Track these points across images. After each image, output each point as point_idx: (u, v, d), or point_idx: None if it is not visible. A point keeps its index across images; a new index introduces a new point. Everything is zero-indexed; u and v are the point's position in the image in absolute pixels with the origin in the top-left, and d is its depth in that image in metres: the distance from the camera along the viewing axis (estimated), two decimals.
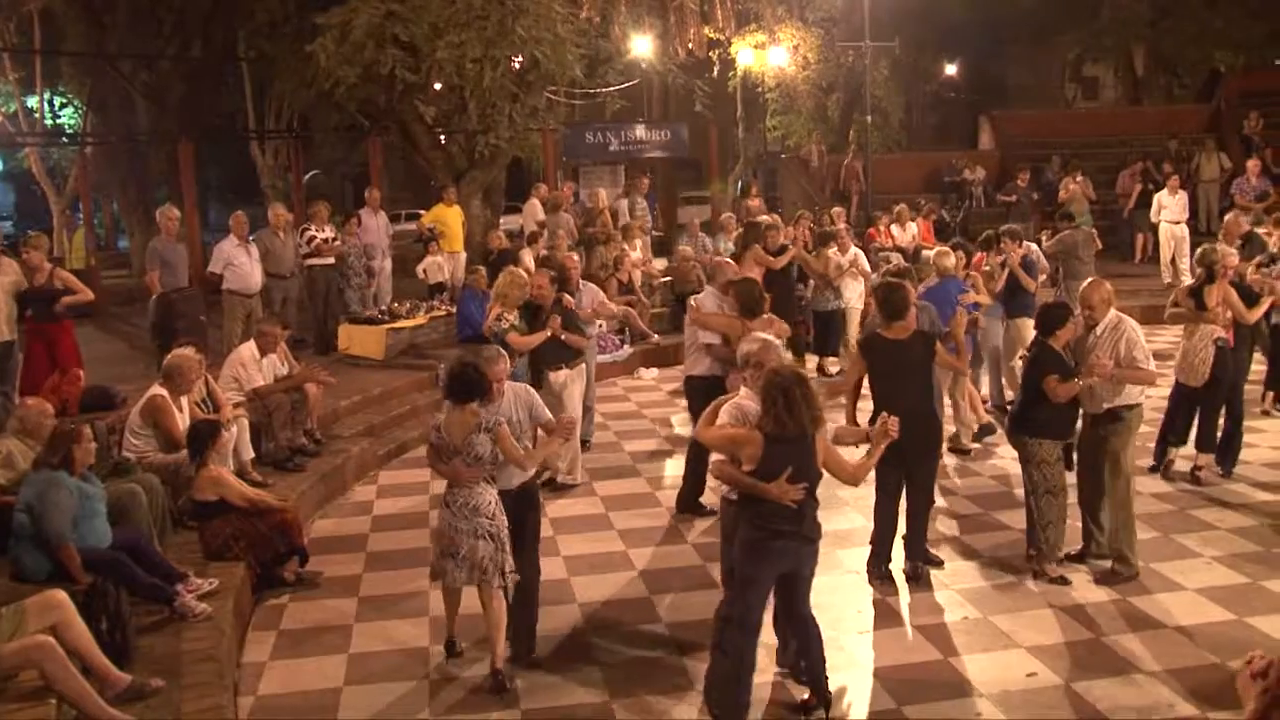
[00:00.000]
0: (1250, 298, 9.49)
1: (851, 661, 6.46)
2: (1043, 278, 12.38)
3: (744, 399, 5.93)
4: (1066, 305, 7.77)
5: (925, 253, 15.93)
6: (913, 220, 17.39)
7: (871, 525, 7.63)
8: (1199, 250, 9.79)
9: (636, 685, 6.27)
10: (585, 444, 10.53)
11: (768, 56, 24.38)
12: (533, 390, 7.08)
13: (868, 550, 7.65)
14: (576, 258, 11.90)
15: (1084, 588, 7.33)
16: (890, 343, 7.42)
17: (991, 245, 11.62)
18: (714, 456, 5.85)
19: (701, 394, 7.95)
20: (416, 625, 7.15)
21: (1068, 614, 6.95)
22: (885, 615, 7.09)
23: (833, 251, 13.55)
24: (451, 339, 13.62)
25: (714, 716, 5.74)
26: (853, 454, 6.35)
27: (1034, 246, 12.68)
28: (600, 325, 11.88)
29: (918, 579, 7.46)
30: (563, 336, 9.43)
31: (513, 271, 9.97)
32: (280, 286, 13.49)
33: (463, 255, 16.71)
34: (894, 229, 17.07)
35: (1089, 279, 7.94)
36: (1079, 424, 7.59)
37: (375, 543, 8.75)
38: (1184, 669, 6.21)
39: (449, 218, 16.75)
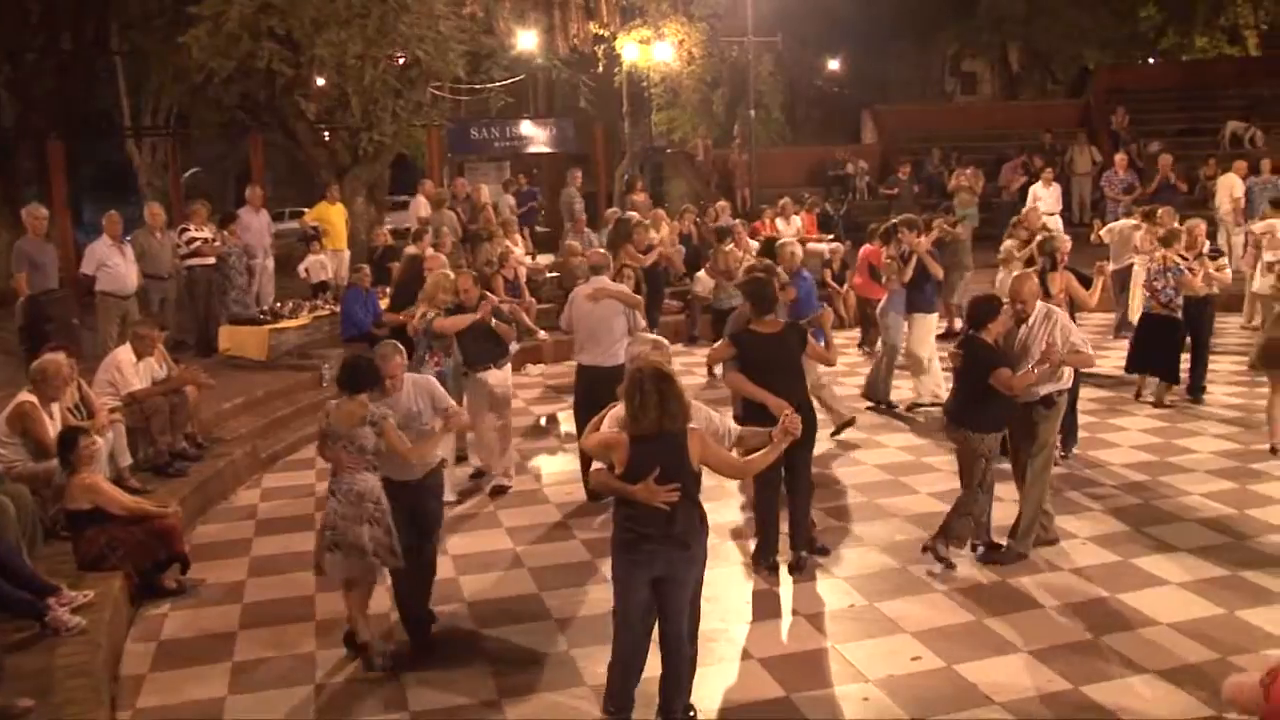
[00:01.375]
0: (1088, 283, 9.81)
1: (740, 651, 6.52)
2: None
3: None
4: (997, 298, 7.77)
5: (812, 246, 16.20)
6: (797, 213, 17.60)
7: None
8: (1039, 239, 10.16)
9: (527, 682, 6.24)
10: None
11: (653, 52, 24.43)
12: (434, 380, 7.12)
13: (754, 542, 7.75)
14: (442, 258, 11.79)
15: (967, 572, 7.50)
16: (762, 336, 7.45)
17: (890, 237, 11.80)
18: (594, 464, 5.75)
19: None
20: (303, 630, 7.02)
21: (951, 598, 7.11)
22: (773, 605, 7.16)
23: (730, 247, 13.63)
24: (336, 339, 13.40)
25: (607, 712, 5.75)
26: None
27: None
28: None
29: (802, 569, 7.54)
30: (492, 323, 9.30)
31: (441, 273, 9.79)
32: (158, 287, 13.15)
33: (347, 254, 16.46)
34: (778, 222, 17.24)
35: (1016, 274, 8.16)
36: None
37: (260, 547, 8.57)
38: (1063, 645, 6.40)
39: (332, 215, 16.49)
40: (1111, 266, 13.40)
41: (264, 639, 6.92)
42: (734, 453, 5.91)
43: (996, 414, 7.41)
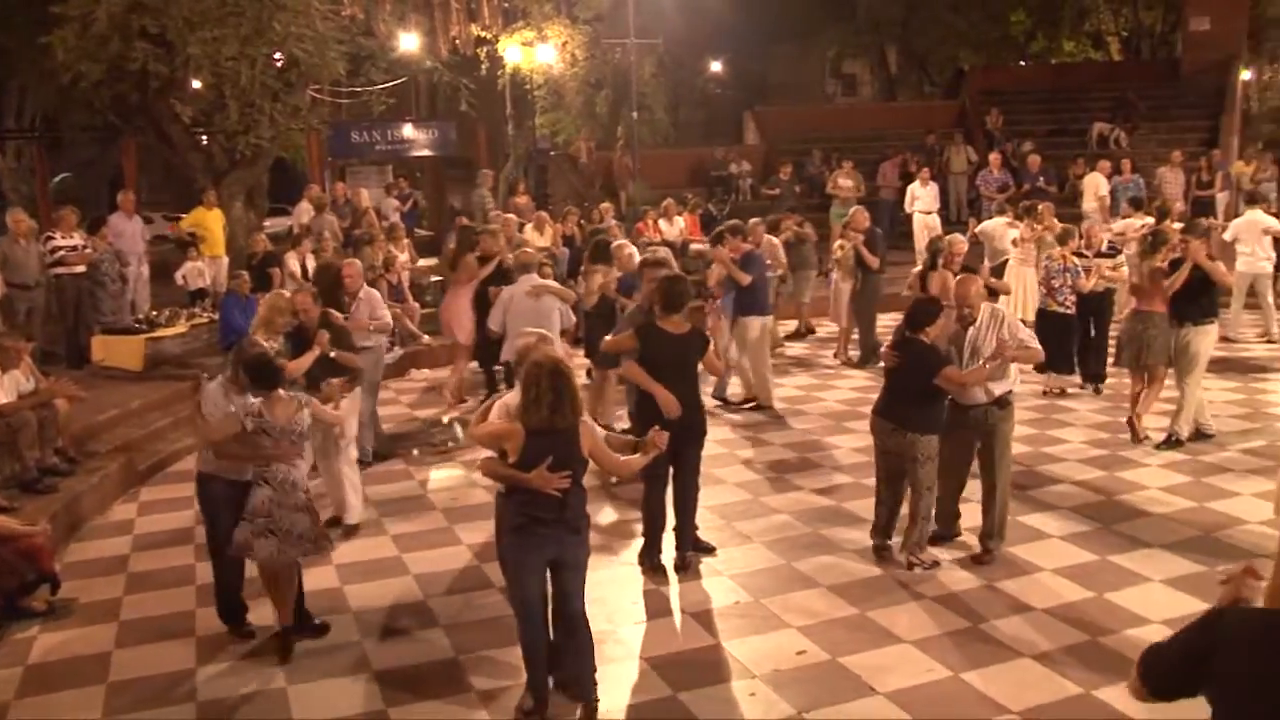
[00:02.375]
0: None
1: (628, 652, 6.53)
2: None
3: (513, 395, 5.94)
4: (937, 300, 7.80)
5: (694, 246, 16.33)
6: (679, 215, 17.70)
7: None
8: (929, 239, 10.44)
9: (415, 691, 6.18)
10: (364, 463, 9.79)
11: (536, 54, 24.36)
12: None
13: (641, 542, 7.77)
14: (359, 265, 11.58)
15: (849, 566, 7.63)
16: (669, 336, 7.48)
17: (721, 241, 11.91)
18: (483, 453, 5.85)
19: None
20: (183, 646, 6.84)
21: (834, 592, 7.23)
22: (660, 605, 7.20)
23: (629, 251, 13.59)
24: (215, 347, 13.11)
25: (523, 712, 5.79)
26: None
27: (775, 242, 13.48)
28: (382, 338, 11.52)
29: (687, 568, 7.59)
30: (333, 354, 8.51)
31: (276, 294, 9.24)
32: (23, 297, 12.71)
33: (225, 260, 16.12)
34: (661, 223, 17.33)
35: (961, 276, 8.18)
36: None
37: (137, 563, 8.32)
38: (943, 634, 6.55)
39: (209, 221, 16.14)
40: (987, 264, 13.81)
41: (141, 658, 6.72)
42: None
43: (939, 415, 7.39)
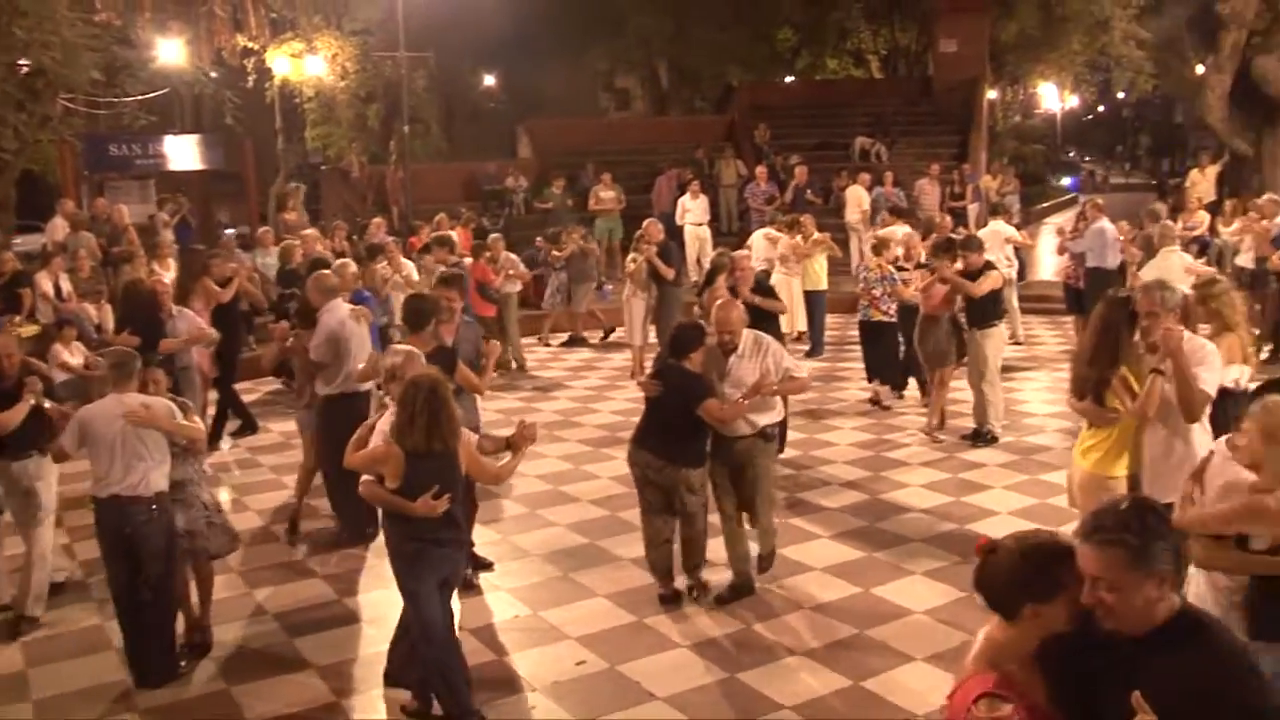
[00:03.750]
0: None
1: None
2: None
3: (389, 417, 5.75)
4: (700, 325, 7.36)
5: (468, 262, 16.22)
6: (453, 229, 17.55)
7: None
8: (714, 254, 10.63)
9: None
10: None
11: (305, 66, 23.80)
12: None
13: None
14: (168, 279, 11.03)
15: (623, 575, 7.70)
16: None
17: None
18: (364, 477, 5.66)
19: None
20: None
21: (612, 601, 7.30)
22: None
23: (382, 266, 13.42)
24: None
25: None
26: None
27: (513, 257, 14.14)
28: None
29: (468, 585, 7.47)
30: (46, 405, 7.07)
31: None
32: None
33: None
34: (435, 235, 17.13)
35: (720, 301, 7.65)
36: None
37: None
38: (720, 637, 6.69)
39: None
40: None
41: None
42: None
43: (703, 447, 7.06)
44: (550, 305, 16.52)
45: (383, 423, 5.78)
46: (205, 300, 11.42)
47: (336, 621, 7.22)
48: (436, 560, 5.54)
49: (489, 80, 37.57)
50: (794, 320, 14.34)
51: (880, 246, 12.27)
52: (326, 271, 9.44)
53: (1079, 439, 6.41)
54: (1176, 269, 11.16)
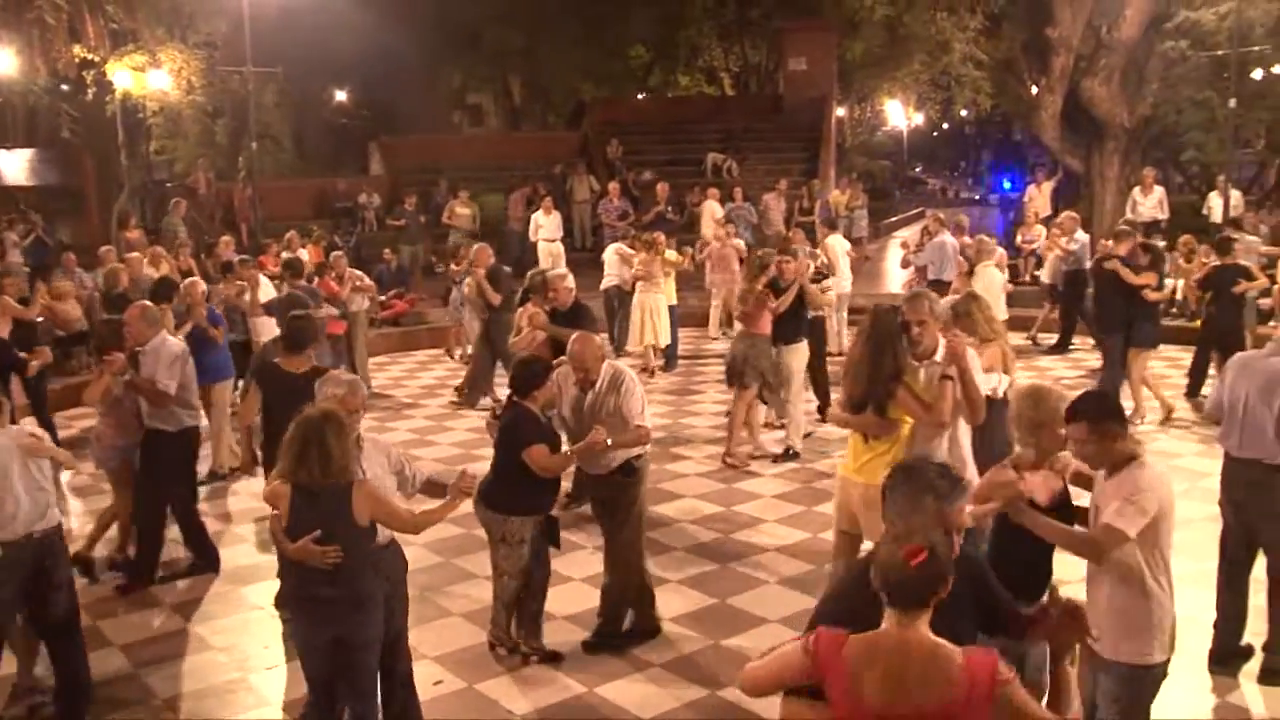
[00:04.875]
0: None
1: (261, 700, 6.35)
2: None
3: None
4: (542, 361, 6.92)
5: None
6: (304, 247, 17.26)
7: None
8: (529, 274, 10.48)
9: None
10: None
11: (148, 79, 23.12)
12: None
13: (276, 584, 7.51)
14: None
15: (477, 594, 7.62)
16: (287, 375, 7.23)
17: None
18: (272, 513, 5.15)
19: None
20: None
21: (468, 621, 7.25)
22: (293, 650, 6.98)
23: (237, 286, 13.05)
24: None
25: None
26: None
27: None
28: None
29: None
30: None
31: None
32: None
33: None
34: (284, 256, 16.79)
35: (576, 335, 6.84)
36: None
37: None
38: (579, 650, 6.71)
39: None
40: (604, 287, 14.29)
41: None
42: (417, 503, 5.67)
43: (532, 496, 6.45)
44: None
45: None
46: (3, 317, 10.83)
47: (184, 650, 7.04)
48: (322, 614, 5.00)
49: (341, 96, 37.11)
50: (658, 333, 14.40)
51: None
52: (148, 303, 8.70)
53: (849, 456, 6.34)
54: (996, 283, 11.67)
